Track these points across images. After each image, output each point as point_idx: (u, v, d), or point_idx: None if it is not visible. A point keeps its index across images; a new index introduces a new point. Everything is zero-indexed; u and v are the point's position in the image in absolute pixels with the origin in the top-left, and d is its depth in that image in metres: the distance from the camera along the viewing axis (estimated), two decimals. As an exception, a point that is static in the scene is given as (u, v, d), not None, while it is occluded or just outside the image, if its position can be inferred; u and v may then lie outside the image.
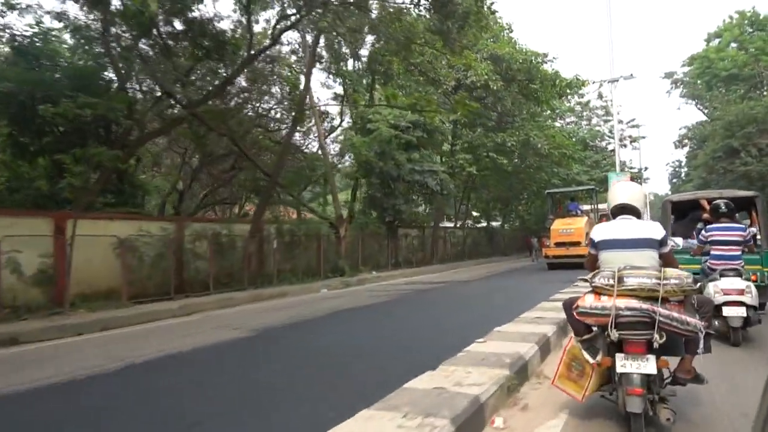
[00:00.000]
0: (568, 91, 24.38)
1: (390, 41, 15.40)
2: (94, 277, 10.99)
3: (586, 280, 3.56)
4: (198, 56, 12.74)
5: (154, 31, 11.68)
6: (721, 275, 6.10)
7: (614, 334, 3.18)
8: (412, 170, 20.97)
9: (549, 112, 29.26)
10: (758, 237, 7.61)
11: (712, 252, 6.35)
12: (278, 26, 13.67)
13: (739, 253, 6.24)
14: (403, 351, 6.38)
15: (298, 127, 20.87)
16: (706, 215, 7.50)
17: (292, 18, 13.22)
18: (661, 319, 3.12)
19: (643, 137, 41.66)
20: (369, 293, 13.76)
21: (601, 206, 27.06)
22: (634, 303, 3.20)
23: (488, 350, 5.17)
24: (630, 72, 21.18)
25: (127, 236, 11.51)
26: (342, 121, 21.47)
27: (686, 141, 53.96)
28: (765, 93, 31.16)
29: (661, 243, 3.55)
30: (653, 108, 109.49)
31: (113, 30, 11.54)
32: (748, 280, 6.20)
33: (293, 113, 15.30)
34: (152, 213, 14.33)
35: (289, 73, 16.92)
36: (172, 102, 12.66)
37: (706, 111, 47.14)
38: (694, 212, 8.52)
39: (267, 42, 14.29)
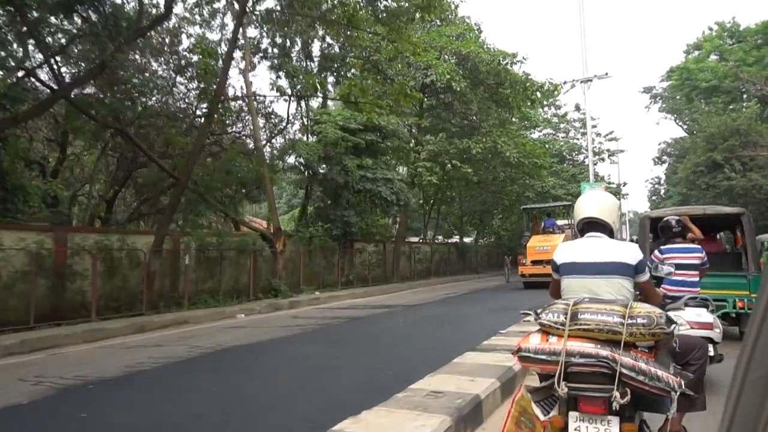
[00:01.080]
0: (539, 95, 22.46)
1: (331, 26, 13.31)
2: None
3: (529, 314, 2.82)
4: (80, 32, 10.37)
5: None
6: (686, 305, 5.14)
7: (563, 388, 2.41)
8: (363, 177, 18.74)
9: (520, 119, 27.31)
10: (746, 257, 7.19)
11: (668, 277, 5.20)
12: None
13: (698, 279, 5.44)
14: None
15: (235, 126, 18.60)
16: (691, 234, 6.52)
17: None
18: (623, 370, 2.35)
19: (622, 151, 39.99)
20: (289, 321, 11.37)
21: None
22: (590, 348, 2.43)
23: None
24: (605, 71, 18.94)
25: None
26: (288, 122, 19.21)
27: (665, 157, 52.81)
28: (746, 105, 29.63)
29: (637, 269, 2.83)
30: (632, 123, 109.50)
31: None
32: (713, 312, 5.26)
33: (206, 107, 12.96)
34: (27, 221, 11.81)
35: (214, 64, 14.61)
36: (41, 84, 10.29)
37: (685, 127, 45.92)
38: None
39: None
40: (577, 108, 40.77)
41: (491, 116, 22.12)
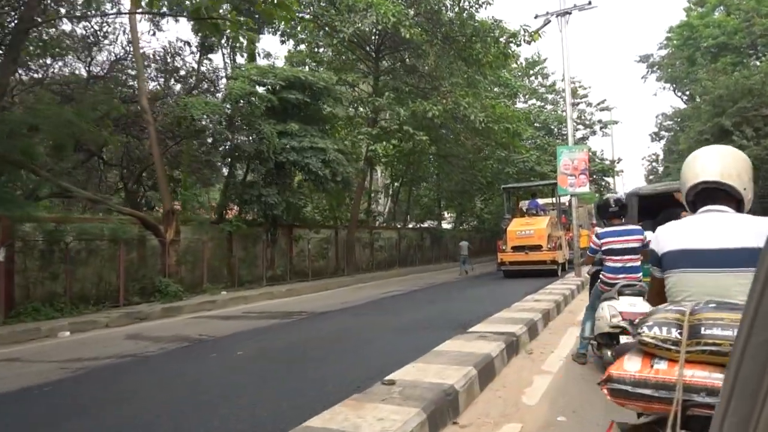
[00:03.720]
0: (513, 47, 18.48)
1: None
2: None
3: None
4: None
5: None
6: (619, 294, 4.76)
7: None
8: (286, 147, 14.83)
9: (496, 84, 23.29)
10: None
11: (607, 263, 5.05)
12: None
13: (638, 264, 4.97)
14: None
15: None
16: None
17: None
18: None
19: (615, 122, 35.97)
20: (111, 344, 7.54)
21: (544, 201, 22.07)
22: (721, 380, 1.29)
23: None
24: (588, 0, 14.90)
25: None
26: (190, 77, 15.24)
27: (664, 132, 48.87)
28: (761, 61, 25.60)
29: None
30: (627, 100, 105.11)
31: None
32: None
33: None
34: None
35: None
36: None
37: (685, 98, 41.90)
38: (666, 210, 6.84)
39: None
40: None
41: (455, 74, 18.10)
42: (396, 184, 28.62)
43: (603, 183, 38.92)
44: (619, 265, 4.97)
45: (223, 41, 18.66)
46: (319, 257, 19.22)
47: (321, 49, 21.97)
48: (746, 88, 22.29)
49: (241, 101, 13.91)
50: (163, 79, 16.04)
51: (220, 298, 12.61)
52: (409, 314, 9.39)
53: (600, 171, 34.43)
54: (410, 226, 30.17)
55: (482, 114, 17.17)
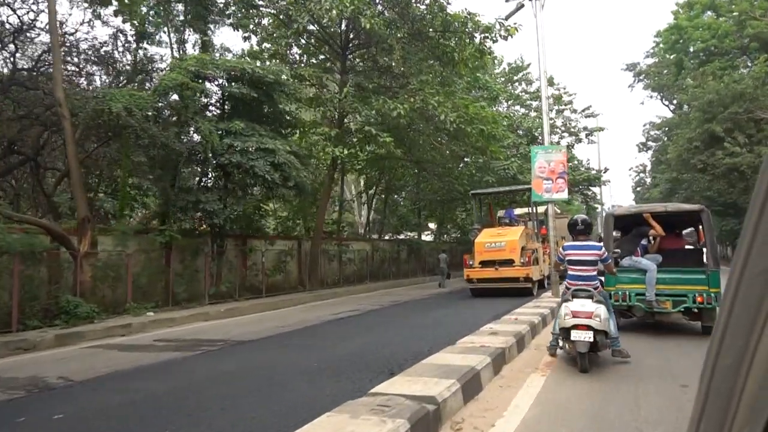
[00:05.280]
0: (489, 43, 16.97)
1: None
2: None
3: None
4: None
5: None
6: (573, 296, 5.87)
7: None
8: (229, 147, 13.13)
9: (472, 86, 21.78)
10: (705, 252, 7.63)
11: (569, 272, 6.12)
12: None
13: (594, 273, 6.02)
14: None
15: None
16: (652, 231, 8.06)
17: None
18: None
19: (602, 129, 34.53)
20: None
21: (520, 211, 19.85)
22: None
23: None
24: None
25: None
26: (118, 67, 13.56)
27: (651, 143, 47.77)
28: (754, 64, 24.29)
29: None
30: (614, 113, 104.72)
31: None
32: (599, 302, 5.76)
33: None
34: None
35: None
36: None
37: (673, 107, 40.80)
38: (638, 227, 8.29)
39: None
40: (550, 82, 35.35)
41: (425, 72, 16.49)
42: (370, 192, 26.92)
43: (590, 193, 37.53)
44: (576, 273, 5.97)
45: (169, 33, 17.06)
46: (275, 271, 17.42)
47: (290, 49, 20.33)
48: (737, 92, 20.96)
49: (174, 95, 12.20)
50: (96, 72, 14.32)
51: (139, 321, 10.78)
52: (334, 348, 7.60)
53: (586, 180, 32.98)
54: (387, 237, 28.48)
55: (453, 114, 15.53)
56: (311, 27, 18.21)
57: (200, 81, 13.31)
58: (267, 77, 13.81)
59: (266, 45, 19.64)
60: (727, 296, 0.60)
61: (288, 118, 16.54)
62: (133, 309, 11.94)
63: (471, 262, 15.62)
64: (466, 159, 24.16)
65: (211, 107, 15.52)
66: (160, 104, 11.99)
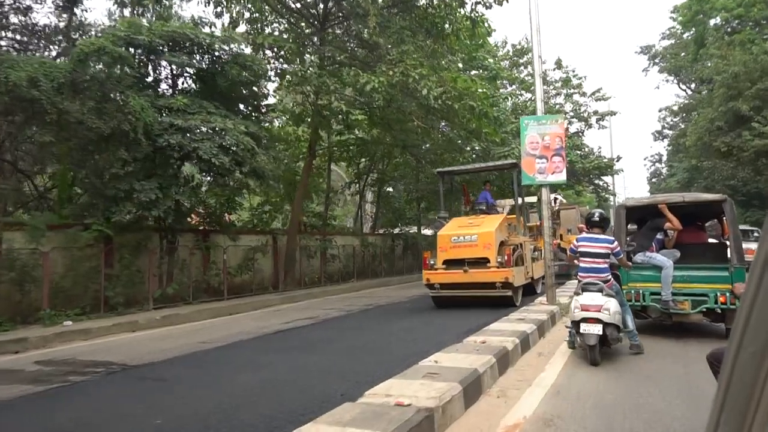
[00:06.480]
0: (481, 8, 14.83)
1: None
2: None
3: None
4: None
5: None
6: (583, 289, 5.94)
7: None
8: (169, 127, 11.19)
9: (469, 63, 19.62)
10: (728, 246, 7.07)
11: (581, 264, 6.22)
12: None
13: (605, 266, 6.09)
14: None
15: None
16: (668, 225, 7.35)
17: None
18: None
19: (614, 113, 32.01)
20: None
21: (530, 199, 15.72)
22: None
23: None
24: None
25: None
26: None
27: (667, 130, 45.07)
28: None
29: None
30: (628, 96, 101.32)
31: None
32: (609, 296, 5.82)
33: None
34: None
35: None
36: None
37: (690, 90, 38.16)
38: (653, 220, 7.64)
39: None
40: (558, 64, 32.95)
41: (407, 42, 14.35)
42: (360, 182, 24.91)
43: (601, 183, 35.13)
44: (587, 265, 6.17)
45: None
46: (240, 270, 15.49)
47: (267, 28, 18.27)
48: (767, 65, 18.58)
49: (94, 64, 10.27)
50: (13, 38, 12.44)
51: (41, 334, 8.88)
52: (200, 393, 5.60)
53: (597, 169, 30.61)
54: (381, 231, 26.45)
55: (439, 89, 13.40)
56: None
57: (135, 50, 11.39)
58: (215, 45, 11.84)
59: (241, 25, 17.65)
60: (750, 284, 0.59)
61: (253, 99, 14.60)
62: (49, 317, 10.05)
63: (432, 262, 11.54)
64: (466, 147, 21.87)
65: (163, 84, 13.67)
66: (79, 76, 10.02)
